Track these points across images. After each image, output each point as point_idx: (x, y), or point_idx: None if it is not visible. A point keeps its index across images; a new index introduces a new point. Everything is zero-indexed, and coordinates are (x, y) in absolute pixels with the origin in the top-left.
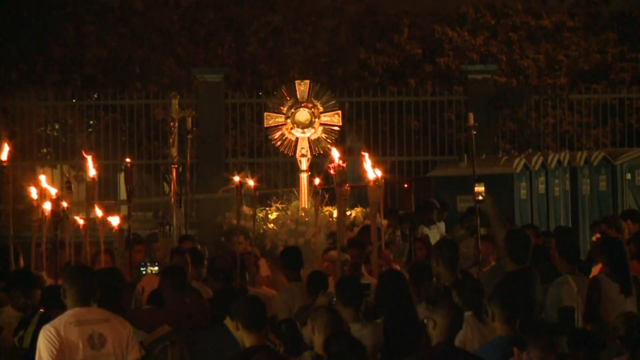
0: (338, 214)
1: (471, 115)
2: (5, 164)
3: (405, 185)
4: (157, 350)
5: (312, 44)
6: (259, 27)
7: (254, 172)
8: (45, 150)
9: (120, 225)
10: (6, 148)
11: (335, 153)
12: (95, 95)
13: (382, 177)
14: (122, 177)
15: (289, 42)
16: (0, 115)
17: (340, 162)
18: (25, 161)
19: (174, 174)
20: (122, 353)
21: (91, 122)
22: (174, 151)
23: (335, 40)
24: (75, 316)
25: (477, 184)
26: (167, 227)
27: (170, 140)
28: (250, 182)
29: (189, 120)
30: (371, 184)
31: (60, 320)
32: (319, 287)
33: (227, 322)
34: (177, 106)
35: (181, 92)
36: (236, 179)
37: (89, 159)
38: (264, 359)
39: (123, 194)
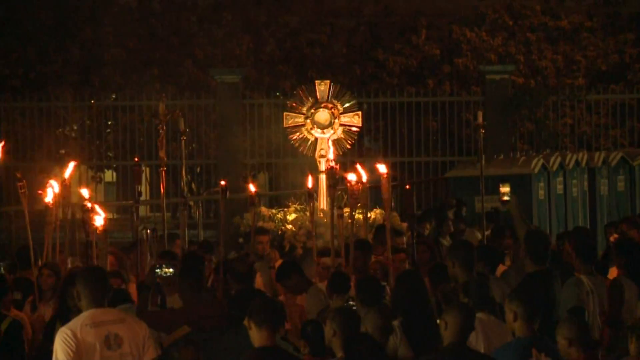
0: (330, 217)
1: (480, 114)
2: None
3: (407, 187)
4: (173, 350)
5: (329, 45)
6: (276, 28)
7: (272, 173)
8: (63, 152)
9: (104, 227)
10: None
11: (330, 155)
12: (114, 96)
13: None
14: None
15: (306, 43)
16: (18, 115)
17: (333, 164)
18: (43, 162)
19: (163, 176)
20: (139, 353)
21: (109, 123)
22: (162, 153)
23: (353, 41)
24: (90, 318)
25: (502, 185)
26: (151, 232)
27: (158, 143)
28: (252, 188)
29: (181, 121)
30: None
31: (76, 322)
32: (340, 288)
33: (246, 323)
34: (163, 108)
35: (199, 92)
36: (222, 182)
37: (71, 164)
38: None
39: (143, 195)
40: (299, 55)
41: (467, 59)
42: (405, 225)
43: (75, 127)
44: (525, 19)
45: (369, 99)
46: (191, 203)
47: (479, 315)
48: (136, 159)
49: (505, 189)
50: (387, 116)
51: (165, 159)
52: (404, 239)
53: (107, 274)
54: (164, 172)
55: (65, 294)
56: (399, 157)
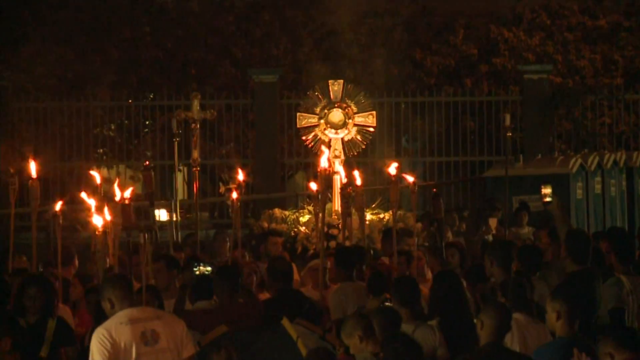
0: (321, 220)
1: (507, 116)
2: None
3: (434, 190)
4: (210, 350)
5: (367, 45)
6: (314, 27)
7: (308, 172)
8: (101, 151)
9: (105, 227)
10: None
11: (323, 159)
12: (151, 96)
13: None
14: (178, 177)
15: (344, 43)
16: (57, 115)
17: (326, 167)
18: (81, 161)
19: (197, 176)
20: (177, 348)
21: (147, 123)
22: (195, 153)
23: (391, 41)
24: (126, 316)
25: (543, 186)
26: (153, 233)
27: (193, 142)
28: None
29: (174, 122)
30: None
31: (111, 322)
32: (379, 288)
33: (284, 322)
34: (197, 107)
35: (237, 92)
36: (241, 177)
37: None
38: None
39: (180, 194)
40: (337, 55)
41: (505, 58)
42: (419, 225)
43: (113, 127)
44: (563, 19)
45: (407, 99)
46: (228, 202)
47: (515, 315)
48: (146, 163)
49: (547, 190)
50: (424, 116)
51: (199, 159)
52: (415, 239)
53: (127, 277)
54: (197, 172)
55: (22, 294)
56: (437, 157)
